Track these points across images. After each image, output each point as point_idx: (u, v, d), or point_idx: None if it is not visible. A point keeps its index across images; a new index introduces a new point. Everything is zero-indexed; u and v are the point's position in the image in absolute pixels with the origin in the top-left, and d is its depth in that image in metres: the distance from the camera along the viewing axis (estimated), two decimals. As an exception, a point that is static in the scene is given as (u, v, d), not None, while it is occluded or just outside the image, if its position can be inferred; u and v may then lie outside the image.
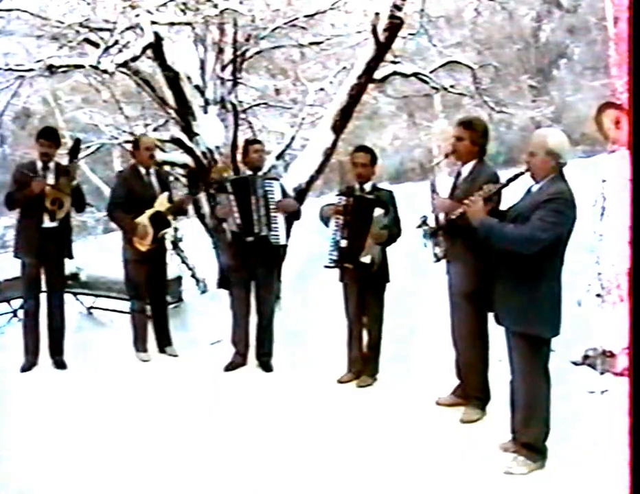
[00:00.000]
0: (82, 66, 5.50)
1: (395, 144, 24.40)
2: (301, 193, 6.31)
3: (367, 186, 4.54)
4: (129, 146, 6.82)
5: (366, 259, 4.30)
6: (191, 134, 6.22)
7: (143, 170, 5.14)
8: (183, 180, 6.95)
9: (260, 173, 4.98)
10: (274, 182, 4.88)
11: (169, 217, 5.13)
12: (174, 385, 4.58)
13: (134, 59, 5.39)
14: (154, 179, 5.18)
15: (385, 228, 4.28)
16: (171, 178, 7.18)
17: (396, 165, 28.97)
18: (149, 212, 5.04)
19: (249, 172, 4.94)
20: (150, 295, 5.28)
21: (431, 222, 3.85)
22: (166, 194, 5.16)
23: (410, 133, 20.53)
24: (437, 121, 18.29)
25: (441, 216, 3.82)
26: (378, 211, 4.27)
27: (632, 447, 1.58)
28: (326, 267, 4.47)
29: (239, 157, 5.62)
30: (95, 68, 5.27)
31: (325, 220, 4.54)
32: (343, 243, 4.38)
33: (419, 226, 3.84)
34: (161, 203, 5.10)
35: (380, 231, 4.26)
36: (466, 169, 3.87)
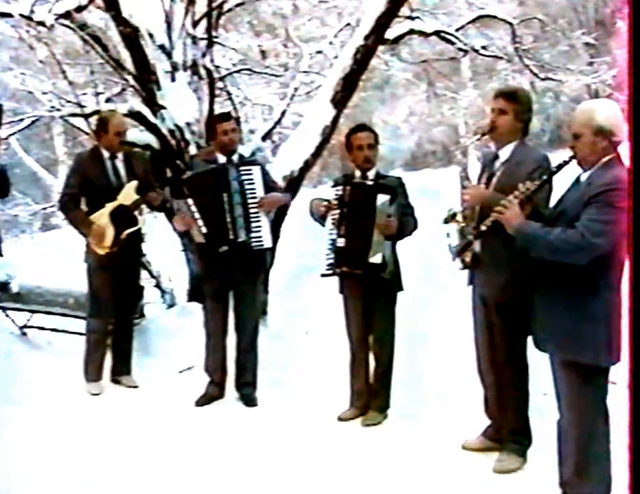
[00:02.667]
0: (9, 15, 5.48)
1: (411, 121, 24.46)
2: (294, 183, 6.35)
3: (371, 174, 4.58)
4: (79, 121, 6.87)
5: (376, 259, 4.31)
6: (155, 107, 6.25)
7: (106, 155, 5.15)
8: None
9: (235, 158, 4.96)
10: (253, 168, 4.83)
11: (137, 213, 5.13)
12: (132, 425, 4.57)
13: (80, 9, 5.40)
14: (120, 165, 5.18)
15: (392, 213, 4.32)
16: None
17: (412, 148, 28.96)
18: (110, 206, 5.04)
19: (221, 157, 4.96)
20: (117, 311, 5.28)
21: (461, 218, 3.88)
22: (133, 184, 5.11)
23: (430, 107, 20.63)
24: (464, 91, 18.37)
25: (476, 210, 3.85)
26: (382, 198, 4.32)
27: (631, 450, 1.76)
28: (323, 275, 4.49)
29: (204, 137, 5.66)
30: (29, 19, 5.25)
31: (319, 217, 4.56)
32: (341, 242, 4.40)
33: (447, 222, 3.86)
34: (127, 195, 5.06)
35: (388, 220, 4.30)
36: (505, 152, 3.88)
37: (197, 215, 4.67)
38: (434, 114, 21.10)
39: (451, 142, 24.87)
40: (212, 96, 6.58)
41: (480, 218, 3.77)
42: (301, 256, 8.78)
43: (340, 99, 6.40)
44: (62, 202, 5.22)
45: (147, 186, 5.17)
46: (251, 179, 4.77)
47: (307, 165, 6.46)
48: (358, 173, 4.58)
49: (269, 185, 4.89)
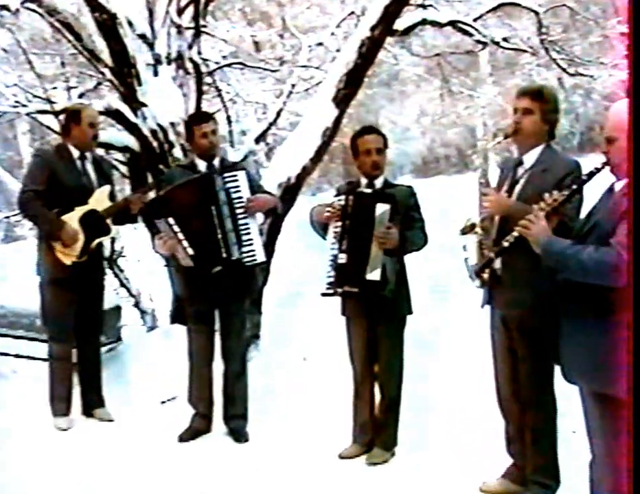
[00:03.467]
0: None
1: (422, 122, 24.55)
2: (290, 191, 6.38)
3: (379, 182, 4.60)
4: (47, 119, 6.88)
5: (373, 275, 4.31)
6: (135, 105, 6.28)
7: (76, 153, 5.17)
8: (123, 169, 7.01)
9: (216, 163, 4.96)
10: (238, 174, 4.81)
11: (109, 221, 5.13)
12: (107, 463, 4.56)
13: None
14: (90, 167, 5.20)
15: (392, 225, 4.33)
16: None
17: (423, 152, 29.04)
18: (80, 210, 5.03)
19: (200, 163, 4.95)
20: (78, 334, 5.28)
21: (480, 230, 3.90)
22: (107, 188, 5.14)
23: (443, 106, 20.70)
24: (482, 88, 18.43)
25: (495, 220, 3.87)
26: (382, 207, 4.32)
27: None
28: (323, 295, 4.49)
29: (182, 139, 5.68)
30: (-11, 1, 5.28)
31: (320, 228, 4.58)
32: (342, 258, 4.39)
33: (464, 233, 3.88)
34: (99, 200, 5.08)
35: (387, 232, 4.29)
36: (530, 157, 3.90)
37: (181, 236, 4.60)
38: (448, 114, 21.15)
39: (467, 145, 24.95)
40: (199, 92, 6.62)
41: (500, 230, 3.79)
42: (299, 272, 8.81)
43: (343, 98, 6.42)
44: (25, 199, 5.04)
45: (113, 193, 5.23)
46: (237, 186, 4.77)
47: (305, 171, 6.48)
48: (364, 180, 4.58)
49: (256, 192, 4.90)
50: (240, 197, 4.75)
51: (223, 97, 7.87)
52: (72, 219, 5.01)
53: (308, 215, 4.63)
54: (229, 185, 4.73)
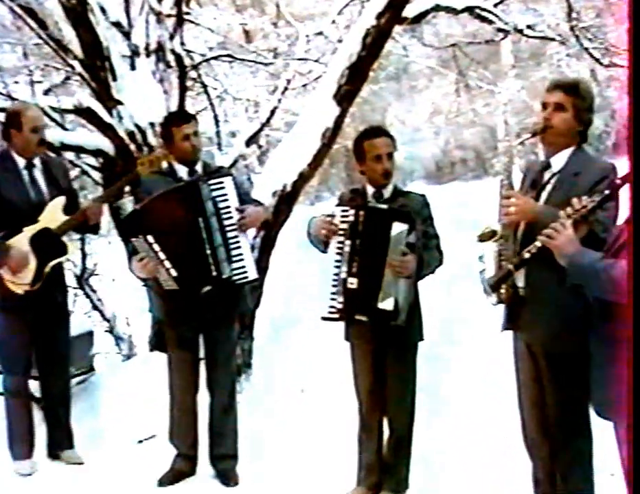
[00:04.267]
0: None
1: (435, 121, 24.57)
2: (286, 200, 6.39)
3: (387, 192, 4.57)
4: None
5: (386, 304, 4.26)
6: (110, 103, 6.28)
7: (21, 162, 5.08)
8: (96, 175, 7.01)
9: (199, 168, 4.95)
10: (224, 180, 4.79)
11: (66, 239, 5.07)
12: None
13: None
14: (39, 175, 5.12)
15: (409, 250, 4.29)
16: (75, 172, 7.25)
17: (436, 155, 29.02)
18: (30, 230, 4.93)
19: (181, 169, 4.94)
20: (40, 365, 5.26)
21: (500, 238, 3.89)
22: (60, 201, 5.02)
23: (460, 103, 20.81)
24: (504, 82, 18.47)
25: (520, 229, 3.86)
26: (399, 227, 4.26)
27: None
28: (324, 319, 4.46)
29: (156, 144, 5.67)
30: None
31: (318, 242, 4.55)
32: (352, 283, 4.34)
33: (483, 240, 3.87)
34: (52, 215, 4.98)
35: (404, 259, 4.25)
36: (559, 160, 3.88)
37: (163, 255, 4.54)
38: (465, 112, 21.27)
39: (486, 147, 25.00)
40: (183, 89, 6.62)
41: (524, 239, 3.78)
42: (296, 292, 8.80)
43: (346, 94, 6.43)
44: None
45: (73, 203, 5.16)
46: (224, 195, 4.73)
47: (303, 177, 6.49)
48: (370, 189, 4.53)
49: (244, 201, 4.87)
50: (228, 207, 4.71)
51: (209, 93, 7.90)
52: (21, 241, 4.89)
53: (307, 224, 4.58)
54: (215, 194, 4.70)
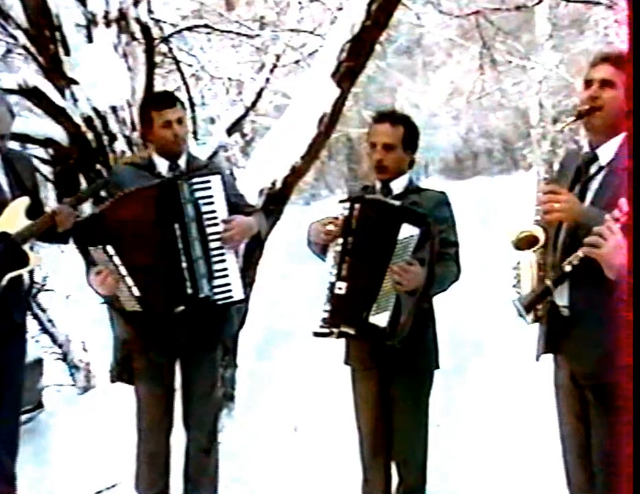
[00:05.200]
0: None
1: (454, 104, 24.50)
2: (276, 199, 6.40)
3: (397, 185, 4.54)
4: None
5: (378, 320, 4.21)
6: (62, 81, 6.27)
7: None
8: (46, 170, 6.99)
9: (182, 163, 4.90)
10: (211, 179, 4.74)
11: (27, 248, 5.07)
12: None
13: None
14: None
15: (417, 261, 4.25)
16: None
17: (456, 144, 28.98)
18: None
19: (161, 163, 4.97)
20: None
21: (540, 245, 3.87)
22: (22, 202, 5.03)
23: (485, 81, 20.76)
24: (538, 55, 18.42)
25: (562, 234, 3.84)
26: (409, 230, 4.24)
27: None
28: (316, 335, 4.43)
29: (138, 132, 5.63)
30: None
31: (319, 250, 4.54)
32: (341, 287, 4.32)
33: (519, 248, 3.84)
34: (11, 218, 4.97)
35: (408, 268, 4.22)
36: (609, 150, 3.84)
37: (124, 271, 4.50)
38: (490, 93, 21.21)
39: (517, 135, 25.04)
40: (151, 65, 6.62)
41: (565, 248, 3.76)
42: (286, 309, 8.81)
43: (347, 73, 6.43)
44: None
45: (37, 205, 5.12)
46: (210, 196, 4.67)
47: (295, 172, 6.49)
48: (378, 184, 4.58)
49: (233, 203, 4.84)
50: (213, 212, 4.66)
51: (183, 71, 7.88)
52: None
53: (307, 230, 4.57)
54: (198, 195, 4.63)
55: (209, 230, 4.65)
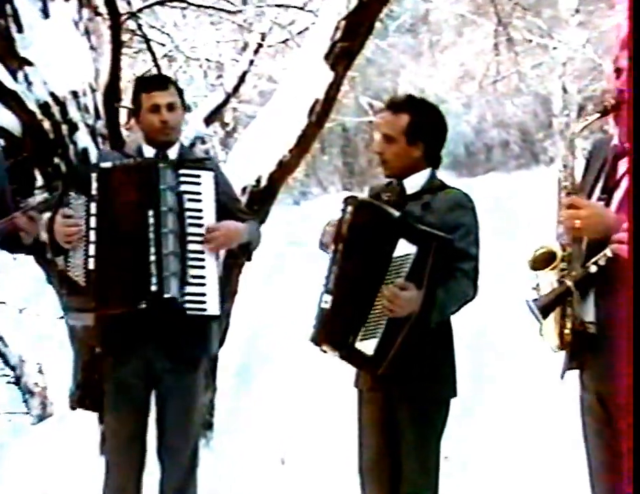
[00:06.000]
0: None
1: (465, 89, 24.50)
2: (261, 198, 6.42)
3: (412, 184, 4.51)
4: None
5: (365, 347, 4.20)
6: (14, 62, 6.28)
7: None
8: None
9: (172, 153, 4.90)
10: (202, 174, 4.76)
11: None
12: None
13: None
14: None
15: (413, 284, 4.21)
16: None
17: (467, 135, 28.97)
18: None
19: (149, 151, 4.93)
20: None
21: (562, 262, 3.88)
22: None
23: (500, 63, 20.80)
24: (563, 33, 18.37)
25: (585, 247, 3.85)
26: (404, 248, 4.18)
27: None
28: (312, 341, 4.46)
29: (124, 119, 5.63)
30: None
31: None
32: (326, 300, 4.30)
33: (536, 268, 3.85)
34: None
35: (398, 294, 4.17)
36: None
37: (93, 236, 4.53)
38: (507, 76, 21.25)
39: (537, 125, 25.05)
40: (117, 45, 6.62)
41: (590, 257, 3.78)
42: (272, 323, 8.82)
43: (342, 54, 6.46)
44: None
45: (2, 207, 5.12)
46: (197, 193, 4.70)
47: (283, 168, 6.53)
48: (394, 181, 4.54)
49: (225, 206, 4.83)
50: (199, 211, 4.67)
51: (154, 51, 7.87)
52: None
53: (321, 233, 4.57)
54: (184, 188, 4.67)
55: (190, 229, 4.67)
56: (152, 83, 4.99)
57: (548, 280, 3.78)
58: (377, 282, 4.25)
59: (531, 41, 18.39)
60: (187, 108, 5.28)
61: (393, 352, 4.23)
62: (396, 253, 4.22)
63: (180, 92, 4.99)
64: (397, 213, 4.32)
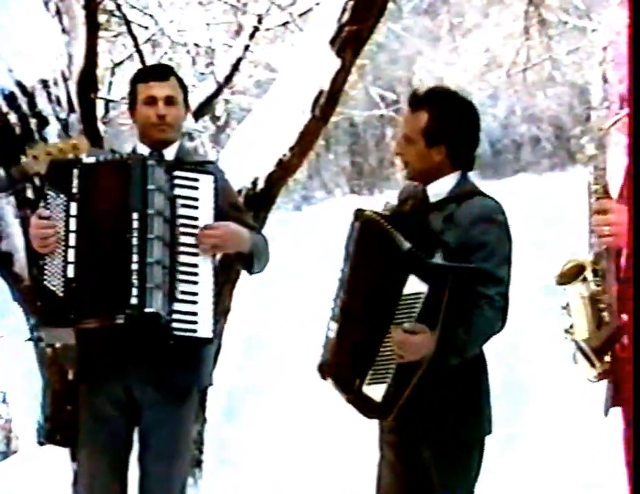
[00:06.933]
0: None
1: (490, 78, 24.49)
2: (258, 202, 6.46)
3: (435, 191, 4.48)
4: None
5: (373, 392, 4.21)
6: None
7: None
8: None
9: (169, 153, 4.91)
10: (201, 178, 4.75)
11: None
12: None
13: None
14: None
15: (425, 326, 4.17)
16: None
17: (493, 131, 28.94)
18: None
19: (144, 150, 4.89)
20: None
21: (593, 275, 3.89)
22: None
23: (531, 48, 20.82)
24: (603, 12, 18.36)
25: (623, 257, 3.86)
26: (414, 285, 4.10)
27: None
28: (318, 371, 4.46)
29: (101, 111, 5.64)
30: None
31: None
32: (332, 329, 4.36)
33: (563, 283, 3.87)
34: None
35: (412, 341, 4.13)
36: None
37: (73, 240, 4.51)
38: (538, 63, 21.26)
39: (574, 119, 25.07)
40: (93, 27, 6.66)
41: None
42: (270, 343, 8.86)
43: (350, 39, 6.50)
44: None
45: None
46: (194, 199, 4.68)
47: (283, 168, 6.56)
48: (420, 186, 4.52)
49: (225, 214, 4.79)
50: (194, 219, 4.64)
51: (136, 35, 7.91)
52: None
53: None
54: (178, 192, 4.65)
55: (183, 238, 4.64)
56: (150, 73, 5.00)
57: (576, 294, 3.81)
58: (385, 320, 4.20)
59: (566, 23, 18.41)
60: (189, 106, 5.29)
61: (404, 398, 4.19)
62: (406, 290, 4.14)
63: (183, 87, 4.98)
64: (406, 245, 4.16)
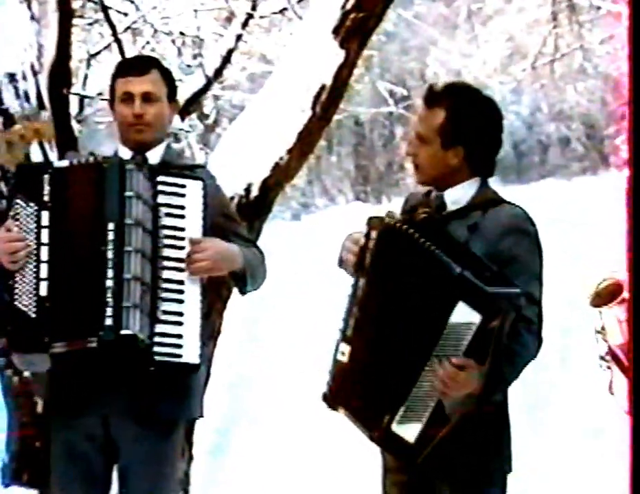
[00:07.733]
0: None
1: (513, 71, 24.52)
2: (251, 210, 6.45)
3: (453, 197, 4.48)
4: None
5: (405, 431, 4.19)
6: None
7: None
8: None
9: (153, 157, 4.86)
10: (187, 183, 4.71)
11: None
12: None
13: None
14: None
15: (473, 361, 4.12)
16: None
17: (517, 131, 28.97)
18: None
19: (125, 153, 4.89)
20: None
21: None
22: None
23: (559, 37, 20.84)
24: None
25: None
26: (464, 314, 4.01)
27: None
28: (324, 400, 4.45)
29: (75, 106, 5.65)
30: None
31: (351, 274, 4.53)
32: (343, 351, 4.28)
33: (597, 304, 3.87)
34: None
35: (461, 378, 4.08)
36: None
37: (45, 253, 4.46)
38: (568, 54, 21.28)
39: (606, 117, 25.06)
40: (66, 14, 6.68)
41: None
42: (257, 371, 8.87)
43: (355, 27, 6.53)
44: None
45: None
46: (180, 206, 4.64)
47: (280, 172, 6.58)
48: (434, 192, 4.52)
49: (216, 225, 4.76)
50: (181, 229, 4.59)
51: (113, 23, 7.93)
52: None
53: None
54: (162, 200, 4.60)
55: (167, 251, 4.57)
56: (131, 65, 4.94)
57: (613, 317, 3.81)
58: (425, 351, 4.08)
59: (599, 8, 18.41)
60: (176, 103, 5.26)
61: (439, 439, 4.14)
62: (454, 318, 4.02)
63: (169, 81, 4.90)
64: (457, 270, 4.01)
